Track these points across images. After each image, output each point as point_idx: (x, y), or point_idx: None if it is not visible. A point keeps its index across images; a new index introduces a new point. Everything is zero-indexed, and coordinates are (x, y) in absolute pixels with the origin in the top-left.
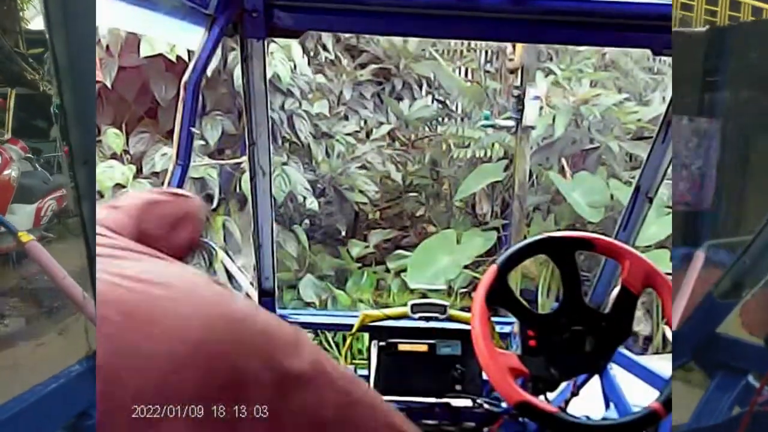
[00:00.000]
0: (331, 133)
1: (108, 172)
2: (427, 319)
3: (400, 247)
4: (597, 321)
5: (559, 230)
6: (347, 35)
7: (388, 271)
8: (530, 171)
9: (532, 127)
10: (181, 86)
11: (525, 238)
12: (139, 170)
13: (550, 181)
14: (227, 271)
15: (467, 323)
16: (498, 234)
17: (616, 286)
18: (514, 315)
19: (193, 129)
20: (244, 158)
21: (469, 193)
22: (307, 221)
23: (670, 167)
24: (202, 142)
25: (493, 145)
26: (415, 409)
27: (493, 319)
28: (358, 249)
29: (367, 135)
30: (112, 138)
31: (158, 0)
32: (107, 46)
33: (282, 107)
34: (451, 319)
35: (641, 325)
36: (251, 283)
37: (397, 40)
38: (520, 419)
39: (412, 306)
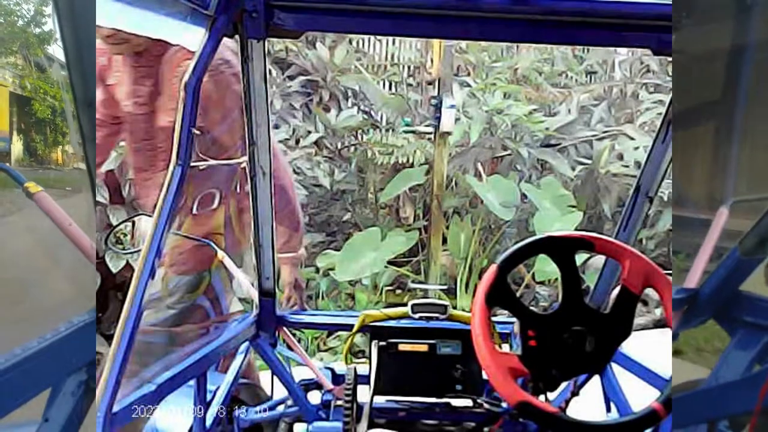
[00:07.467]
0: None
1: None
2: (428, 319)
3: (329, 248)
4: (597, 321)
5: (474, 229)
6: (277, 49)
7: (317, 271)
8: (448, 175)
9: (449, 133)
10: (181, 87)
11: (443, 237)
12: None
13: (467, 184)
14: (227, 271)
15: (467, 323)
16: (420, 235)
17: (616, 286)
18: (514, 315)
19: (193, 129)
20: (245, 158)
21: (392, 195)
22: None
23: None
24: None
25: (415, 151)
26: (415, 409)
27: (493, 319)
28: None
29: (297, 142)
30: None
31: (158, 0)
32: None
33: None
34: (451, 319)
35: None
36: (252, 284)
37: (324, 54)
38: (521, 419)
39: (413, 306)
